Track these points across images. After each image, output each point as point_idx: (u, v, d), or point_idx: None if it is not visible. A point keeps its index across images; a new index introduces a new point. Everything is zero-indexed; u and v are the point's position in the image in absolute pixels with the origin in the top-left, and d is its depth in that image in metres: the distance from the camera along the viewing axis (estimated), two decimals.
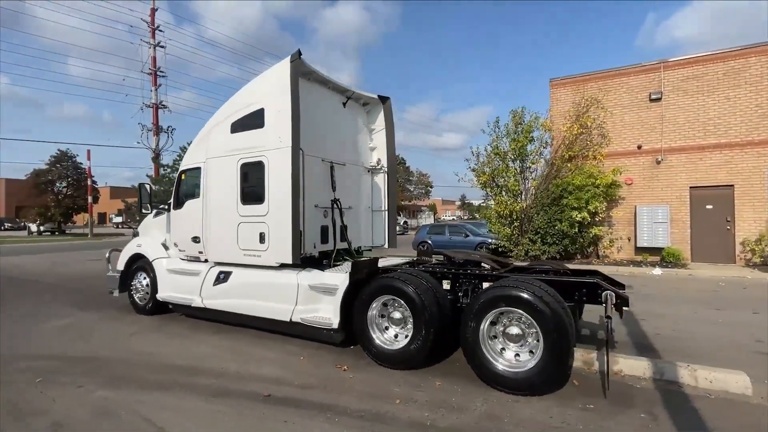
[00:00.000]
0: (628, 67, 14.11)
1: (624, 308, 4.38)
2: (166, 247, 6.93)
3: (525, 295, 3.74)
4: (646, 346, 5.11)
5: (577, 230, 13.23)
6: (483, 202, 16.69)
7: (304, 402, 3.73)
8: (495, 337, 4.00)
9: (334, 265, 5.76)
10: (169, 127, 31.09)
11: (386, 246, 7.27)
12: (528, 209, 14.15)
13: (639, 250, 13.49)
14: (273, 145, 5.30)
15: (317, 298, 5.12)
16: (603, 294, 3.95)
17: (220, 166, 5.94)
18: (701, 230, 12.98)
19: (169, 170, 29.30)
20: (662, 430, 3.16)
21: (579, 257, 13.93)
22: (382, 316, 4.66)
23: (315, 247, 5.86)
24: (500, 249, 14.77)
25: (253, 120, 5.56)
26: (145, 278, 6.94)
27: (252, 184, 5.60)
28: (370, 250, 7.13)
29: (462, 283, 4.56)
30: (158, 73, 31.01)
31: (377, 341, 4.58)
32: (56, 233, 37.43)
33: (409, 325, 4.42)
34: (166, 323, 6.52)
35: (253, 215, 5.53)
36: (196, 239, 6.30)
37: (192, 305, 6.20)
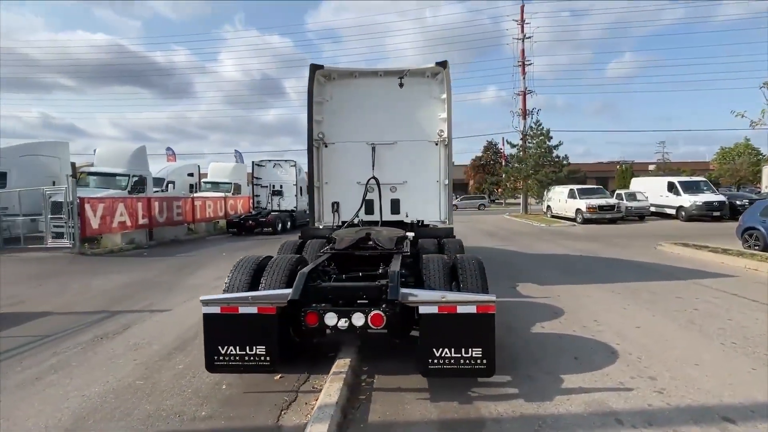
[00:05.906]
0: None
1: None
2: None
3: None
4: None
5: None
6: None
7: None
8: None
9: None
10: (534, 108, 30.71)
11: (448, 223, 6.95)
12: None
13: None
14: None
15: None
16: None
17: None
18: None
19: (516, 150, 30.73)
20: None
21: None
22: None
23: (358, 217, 6.85)
24: None
25: None
26: None
27: None
28: (444, 223, 7.05)
29: None
30: (525, 62, 31.09)
31: None
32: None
33: None
34: None
35: None
36: None
37: None
